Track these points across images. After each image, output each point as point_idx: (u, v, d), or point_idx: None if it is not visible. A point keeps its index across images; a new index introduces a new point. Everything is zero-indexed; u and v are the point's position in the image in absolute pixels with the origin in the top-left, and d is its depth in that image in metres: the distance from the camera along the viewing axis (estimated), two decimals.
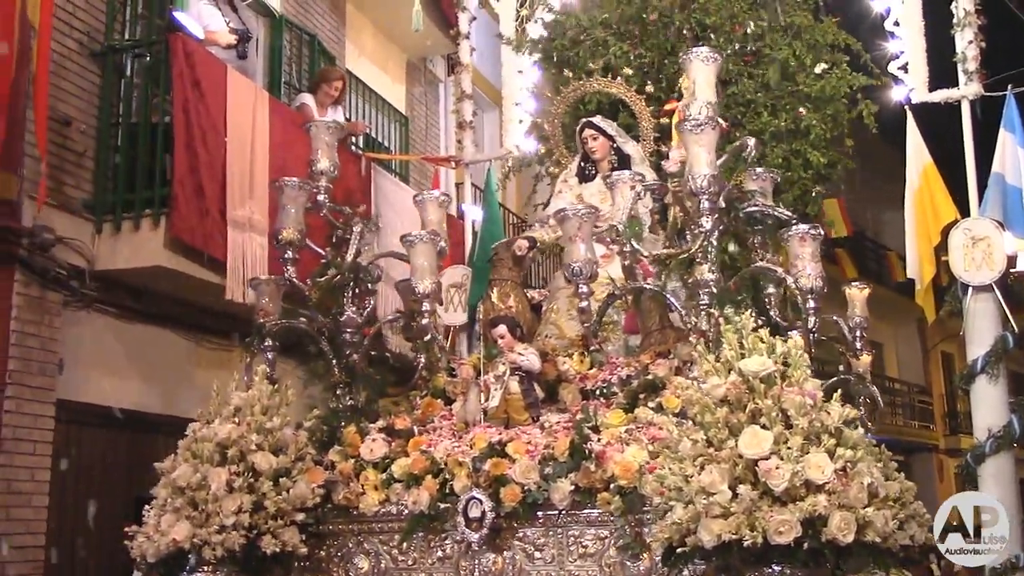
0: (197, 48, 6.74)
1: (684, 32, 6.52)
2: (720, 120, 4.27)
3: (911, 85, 7.86)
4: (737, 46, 6.55)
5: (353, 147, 8.66)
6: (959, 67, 7.78)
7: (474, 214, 9.16)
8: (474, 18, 9.43)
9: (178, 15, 6.85)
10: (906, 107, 7.78)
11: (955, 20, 7.79)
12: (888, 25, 8.02)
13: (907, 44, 7.87)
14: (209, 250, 6.47)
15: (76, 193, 6.56)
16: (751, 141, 4.66)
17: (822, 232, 4.36)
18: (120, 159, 6.78)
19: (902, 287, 17.12)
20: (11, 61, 5.80)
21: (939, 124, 8.32)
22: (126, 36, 7.16)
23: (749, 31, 6.53)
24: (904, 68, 7.92)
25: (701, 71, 4.35)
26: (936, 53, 8.02)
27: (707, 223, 4.16)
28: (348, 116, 8.76)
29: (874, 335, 20.55)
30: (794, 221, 4.46)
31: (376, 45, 11.01)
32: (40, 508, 6.18)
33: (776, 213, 4.51)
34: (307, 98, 8.06)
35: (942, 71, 8.07)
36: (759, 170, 4.81)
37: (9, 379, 6.01)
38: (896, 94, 7.94)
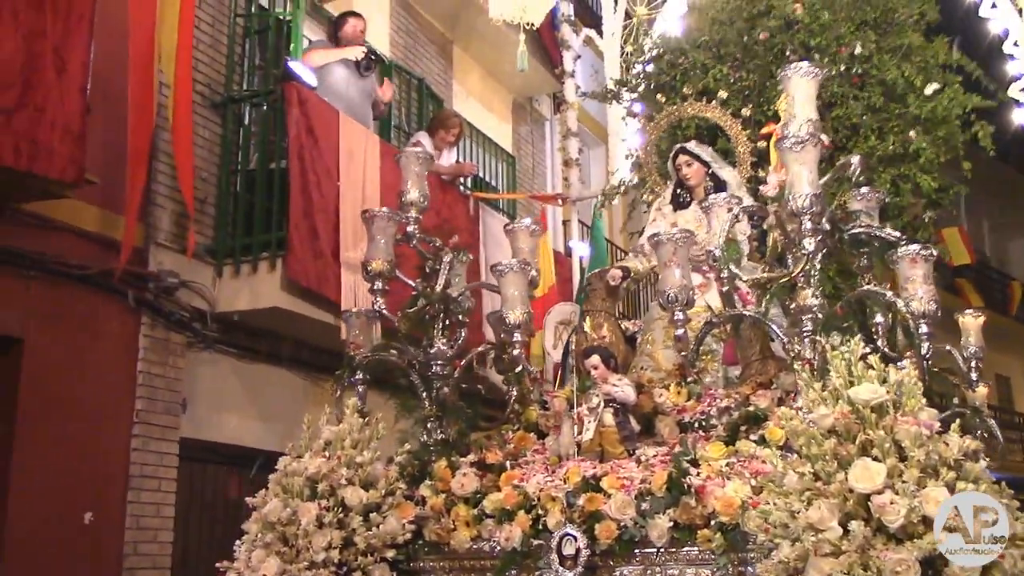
0: (311, 96, 7.09)
1: (788, 54, 6.29)
2: (823, 137, 4.03)
3: None
4: (843, 67, 6.28)
5: (461, 187, 8.71)
6: None
7: (581, 250, 9.14)
8: (578, 56, 9.46)
9: (292, 65, 7.04)
10: None
11: None
12: (1007, 47, 7.74)
13: None
14: (323, 291, 6.69)
15: (198, 239, 6.89)
16: (855, 159, 4.42)
17: (934, 253, 4.08)
18: (239, 204, 7.06)
19: None
20: (150, 115, 6.04)
21: None
22: (244, 87, 7.56)
23: (856, 52, 6.26)
24: None
25: (801, 87, 4.14)
26: None
27: (810, 245, 3.93)
28: (458, 158, 8.82)
29: (1000, 368, 19.72)
30: (903, 241, 4.18)
31: (482, 86, 11.18)
32: (165, 544, 6.45)
33: (883, 234, 4.23)
34: (423, 137, 8.23)
35: None
36: (864, 190, 4.55)
37: (136, 418, 6.38)
38: (1017, 117, 7.64)
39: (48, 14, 5.47)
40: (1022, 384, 21.23)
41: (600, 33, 9.54)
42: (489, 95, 11.31)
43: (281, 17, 7.71)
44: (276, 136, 7.10)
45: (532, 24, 8.25)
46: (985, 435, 5.04)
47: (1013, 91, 7.78)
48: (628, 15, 9.01)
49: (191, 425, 6.73)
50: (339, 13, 8.15)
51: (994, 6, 7.94)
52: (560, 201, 9.51)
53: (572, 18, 9.49)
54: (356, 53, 7.49)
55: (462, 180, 8.97)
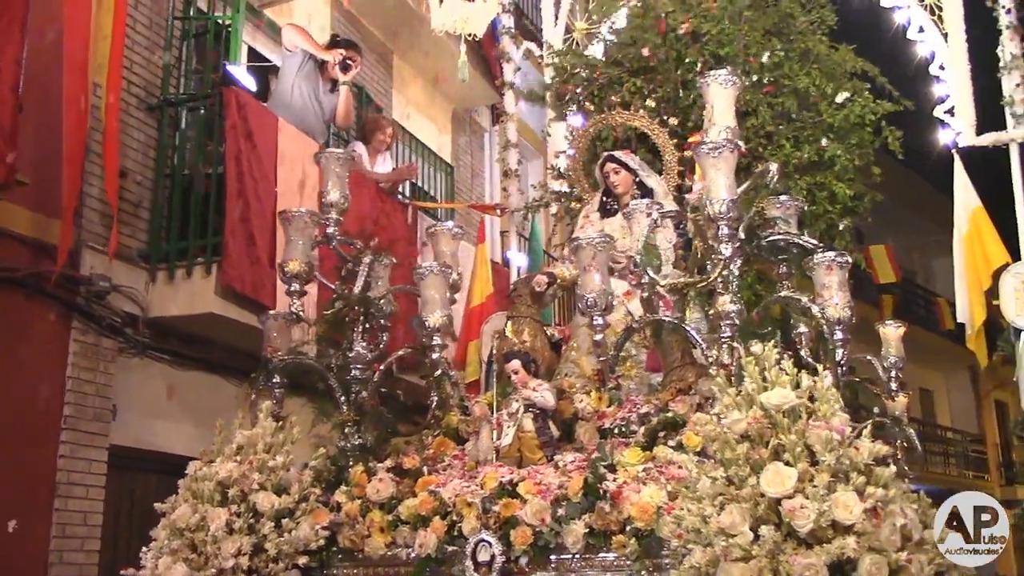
0: (249, 100, 6.89)
1: (698, 66, 6.24)
2: (739, 143, 3.97)
3: (958, 129, 7.67)
4: (755, 77, 6.23)
5: (400, 196, 8.59)
6: (1007, 110, 7.58)
7: (519, 261, 9.05)
8: (518, 68, 9.37)
9: (231, 68, 6.87)
10: (953, 151, 7.56)
11: (1001, 63, 7.62)
12: (934, 69, 7.81)
13: (953, 88, 7.73)
14: (259, 297, 6.55)
15: (131, 242, 6.70)
16: (773, 166, 4.38)
17: (850, 260, 4.03)
18: (174, 209, 6.87)
19: (953, 334, 16.66)
20: (84, 117, 6.01)
21: (987, 168, 8.09)
22: (180, 90, 7.31)
23: (765, 61, 6.22)
24: (951, 112, 7.72)
25: (719, 95, 4.11)
26: (983, 97, 7.81)
27: (727, 250, 3.86)
28: (395, 165, 8.72)
29: (925, 382, 19.97)
30: (820, 248, 4.12)
31: (422, 96, 11.02)
32: (92, 552, 6.22)
33: (801, 241, 4.17)
34: (359, 147, 8.07)
35: (989, 115, 7.83)
36: (783, 197, 4.50)
37: (64, 424, 6.14)
38: (943, 138, 7.71)
39: None
40: (945, 398, 21.51)
41: (540, 46, 9.47)
42: (429, 105, 11.21)
43: (220, 21, 7.54)
44: (213, 141, 6.93)
45: (473, 35, 8.15)
46: (905, 444, 5.01)
47: (939, 112, 7.85)
48: (568, 30, 8.93)
49: (121, 432, 6.52)
50: (281, 21, 7.99)
51: (921, 30, 8.01)
52: (499, 211, 9.42)
53: (513, 31, 9.41)
54: (335, 56, 7.33)
55: (400, 188, 8.85)
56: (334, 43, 7.75)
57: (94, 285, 6.38)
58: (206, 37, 7.49)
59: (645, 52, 6.30)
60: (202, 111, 7.10)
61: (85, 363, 6.31)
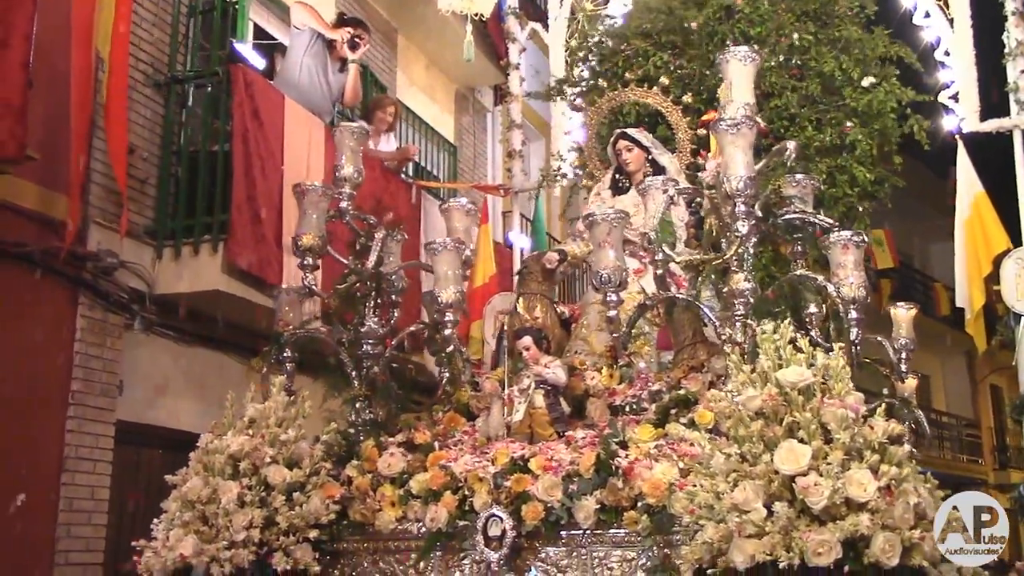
0: (256, 79, 6.83)
1: (727, 43, 6.14)
2: (758, 120, 3.90)
3: (962, 115, 7.65)
4: (782, 58, 6.15)
5: (403, 175, 8.52)
6: (1011, 97, 7.56)
7: (522, 242, 8.99)
8: (523, 49, 9.28)
9: (238, 46, 6.80)
10: (957, 137, 7.52)
11: (1006, 50, 7.61)
12: (939, 55, 7.77)
13: (958, 74, 7.72)
14: (265, 275, 6.50)
15: (138, 219, 6.66)
16: (791, 144, 4.30)
17: (866, 240, 3.97)
18: (181, 186, 6.83)
19: (950, 319, 16.64)
20: (88, 93, 5.89)
21: (990, 154, 8.07)
22: (188, 67, 7.25)
23: (795, 43, 6.14)
24: (955, 98, 7.69)
25: (739, 71, 4.03)
26: (987, 83, 7.80)
27: (743, 228, 3.81)
28: (399, 144, 8.66)
29: (921, 366, 19.91)
30: (836, 228, 4.06)
31: (426, 75, 10.96)
32: (99, 527, 6.22)
33: (817, 220, 4.11)
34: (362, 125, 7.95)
35: (993, 101, 7.82)
36: (799, 176, 4.44)
37: (72, 399, 6.12)
38: (947, 124, 7.68)
39: None
40: (940, 383, 21.48)
41: (546, 27, 9.39)
42: (432, 85, 11.12)
43: None
44: (220, 118, 6.85)
45: (481, 15, 8.06)
46: (913, 425, 4.97)
47: (943, 98, 7.81)
48: (573, 11, 8.84)
49: (127, 408, 6.49)
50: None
51: (927, 15, 7.96)
52: (502, 192, 9.35)
53: (518, 11, 9.33)
54: (343, 34, 7.25)
55: (404, 168, 8.79)
56: (342, 22, 7.68)
57: (101, 261, 6.34)
58: (213, 15, 7.38)
59: (694, 25, 6.18)
60: (209, 88, 7.04)
61: (92, 339, 6.28)
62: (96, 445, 6.24)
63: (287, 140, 6.88)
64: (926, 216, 17.53)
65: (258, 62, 7.04)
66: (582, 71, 7.31)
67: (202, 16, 7.43)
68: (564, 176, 7.44)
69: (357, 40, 7.41)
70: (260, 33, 8.48)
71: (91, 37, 5.98)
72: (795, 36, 6.14)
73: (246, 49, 7.02)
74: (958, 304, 8.01)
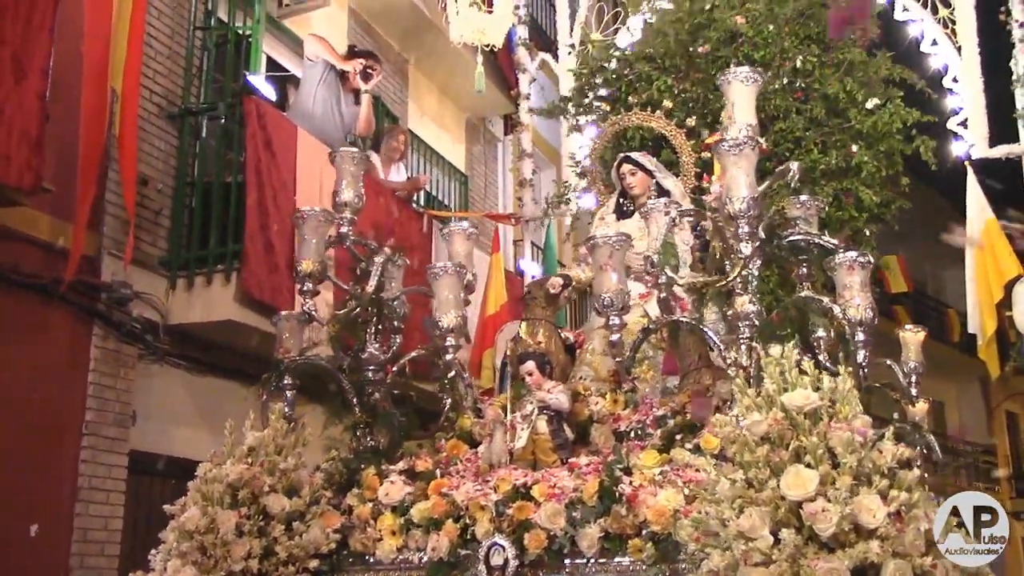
0: (269, 110, 6.84)
1: (732, 67, 6.05)
2: (760, 141, 3.79)
3: (971, 141, 7.61)
4: (786, 81, 6.05)
5: (414, 205, 8.46)
6: (1020, 123, 7.50)
7: (533, 270, 8.91)
8: (534, 79, 9.24)
9: (251, 78, 6.79)
10: (966, 163, 7.48)
11: (1014, 76, 7.59)
12: (947, 82, 7.74)
13: (966, 100, 7.69)
14: (278, 304, 6.45)
15: (152, 250, 6.64)
16: (794, 165, 4.18)
17: (871, 260, 3.83)
18: (194, 217, 6.82)
19: (963, 345, 16.38)
20: (102, 124, 5.92)
21: (1000, 179, 8.02)
22: (201, 99, 7.26)
23: (798, 66, 6.04)
24: (964, 124, 7.65)
25: (741, 92, 3.94)
26: (996, 109, 7.76)
27: (746, 248, 3.68)
28: (410, 174, 8.62)
29: (936, 393, 19.63)
30: (840, 249, 3.93)
31: (437, 105, 10.94)
32: (112, 557, 6.14)
33: (821, 241, 3.98)
34: (373, 157, 7.98)
35: (1002, 127, 7.80)
36: (803, 197, 4.31)
37: (86, 430, 6.07)
38: (956, 150, 7.63)
39: (8, 21, 5.23)
40: (955, 410, 21.14)
41: (556, 57, 9.35)
42: (443, 114, 11.10)
43: (240, 31, 7.47)
44: (234, 149, 6.86)
45: (492, 46, 8.03)
46: (925, 450, 4.81)
47: (952, 125, 7.76)
48: (583, 41, 8.80)
49: (141, 438, 6.44)
50: (301, 31, 7.88)
51: (935, 43, 7.92)
52: (513, 220, 9.30)
53: (528, 42, 9.31)
54: (355, 65, 7.23)
55: (415, 197, 8.73)
56: (354, 53, 7.67)
57: (115, 292, 6.32)
58: (226, 47, 7.43)
59: (702, 49, 6.10)
60: (222, 120, 7.05)
61: (106, 369, 6.25)
62: (109, 475, 6.20)
63: (300, 171, 6.89)
64: (938, 241, 17.37)
65: (271, 94, 7.03)
66: (586, 92, 7.23)
67: (216, 49, 7.47)
68: (568, 202, 7.35)
69: (369, 71, 7.38)
70: (273, 65, 8.49)
71: (105, 71, 6.01)
72: (799, 60, 6.03)
73: (259, 81, 7.01)
74: (970, 330, 7.93)
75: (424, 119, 10.58)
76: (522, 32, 9.33)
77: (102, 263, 6.29)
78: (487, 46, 8.00)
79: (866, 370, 3.90)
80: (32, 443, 5.73)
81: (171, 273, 6.66)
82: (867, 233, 6.19)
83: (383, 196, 7.63)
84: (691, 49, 6.27)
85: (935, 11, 7.89)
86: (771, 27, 6.11)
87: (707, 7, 6.35)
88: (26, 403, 5.73)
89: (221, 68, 7.41)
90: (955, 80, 7.86)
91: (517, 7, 8.95)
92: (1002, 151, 7.62)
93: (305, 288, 4.10)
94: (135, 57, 6.23)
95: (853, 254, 3.87)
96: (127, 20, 6.17)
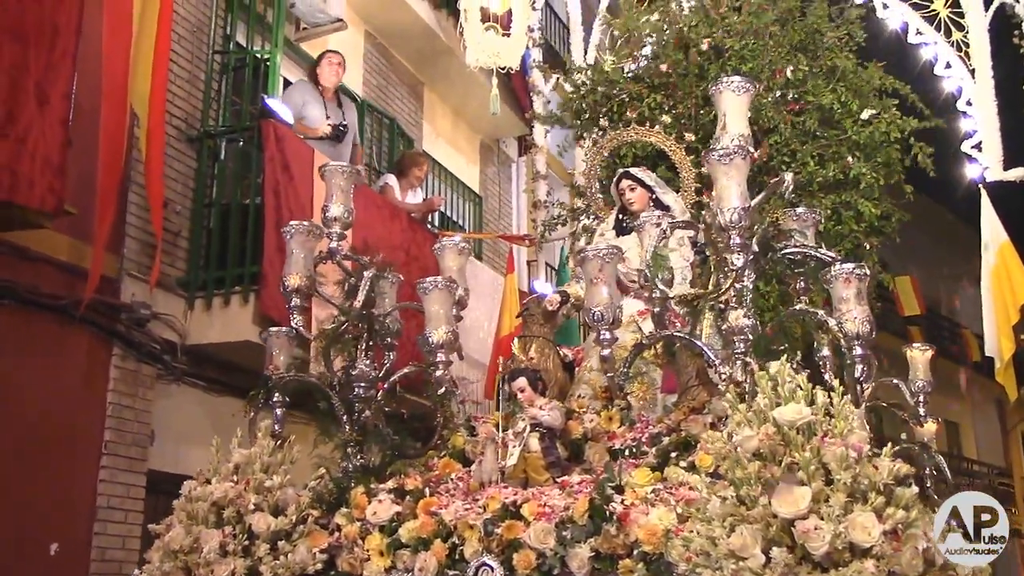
0: (287, 133, 6.77)
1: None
2: (751, 150, 3.55)
3: (985, 164, 7.46)
4: (778, 93, 5.81)
5: (429, 226, 8.32)
6: None
7: (547, 291, 8.71)
8: (548, 101, 9.09)
9: (270, 102, 6.74)
10: (981, 186, 7.26)
11: None
12: (961, 105, 7.55)
13: (980, 123, 7.55)
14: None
15: (171, 271, 6.60)
16: (788, 176, 3.95)
17: (867, 272, 3.58)
18: (213, 238, 6.78)
19: (979, 366, 15.94)
20: (121, 146, 5.91)
21: (1015, 202, 7.83)
22: (220, 122, 7.23)
23: (789, 76, 5.80)
24: (978, 147, 7.46)
25: (732, 102, 3.74)
26: (1010, 132, 7.59)
27: (738, 260, 3.44)
28: (424, 196, 8.59)
29: (951, 415, 19.11)
30: (837, 261, 3.67)
31: (452, 127, 10.85)
32: None
33: (818, 254, 3.73)
34: (391, 179, 7.97)
35: (1016, 150, 7.60)
36: (800, 209, 4.07)
37: (105, 450, 6.01)
38: (970, 173, 7.45)
39: (31, 48, 5.17)
40: (971, 431, 20.56)
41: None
42: (457, 136, 11.00)
43: (258, 55, 7.42)
44: (252, 172, 6.81)
45: (508, 68, 7.88)
46: (934, 472, 4.52)
47: (966, 148, 7.55)
48: (597, 63, 8.63)
49: (159, 457, 6.35)
50: (317, 54, 7.79)
51: (948, 66, 7.72)
52: (528, 242, 9.14)
53: (542, 64, 9.17)
54: (321, 132, 7.13)
55: (430, 219, 8.59)
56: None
57: (134, 313, 6.27)
58: (245, 70, 7.40)
59: (664, 67, 5.91)
60: (241, 143, 7.04)
61: (125, 389, 6.19)
62: (128, 495, 6.13)
63: (316, 192, 6.81)
64: (951, 262, 16.98)
65: (288, 117, 6.94)
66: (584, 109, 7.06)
67: (234, 72, 7.44)
68: (565, 223, 7.17)
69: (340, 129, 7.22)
70: None
71: (124, 95, 5.98)
72: (788, 70, 5.80)
73: (277, 104, 6.90)
74: (987, 353, 7.72)
75: (439, 140, 10.51)
76: (536, 55, 9.20)
77: (122, 284, 6.27)
78: (503, 68, 7.84)
79: (867, 387, 3.65)
80: (52, 462, 5.66)
81: (190, 294, 6.61)
82: (867, 247, 5.91)
83: (399, 217, 7.51)
84: (677, 70, 6.05)
85: (948, 34, 7.70)
86: (751, 40, 5.87)
87: (684, 27, 6.15)
88: (46, 423, 5.67)
89: (239, 91, 7.40)
90: (969, 103, 7.67)
91: (531, 29, 8.84)
92: (1016, 174, 7.40)
93: (293, 304, 3.90)
94: (160, 83, 6.23)
95: (849, 266, 3.63)
96: (146, 43, 6.18)
